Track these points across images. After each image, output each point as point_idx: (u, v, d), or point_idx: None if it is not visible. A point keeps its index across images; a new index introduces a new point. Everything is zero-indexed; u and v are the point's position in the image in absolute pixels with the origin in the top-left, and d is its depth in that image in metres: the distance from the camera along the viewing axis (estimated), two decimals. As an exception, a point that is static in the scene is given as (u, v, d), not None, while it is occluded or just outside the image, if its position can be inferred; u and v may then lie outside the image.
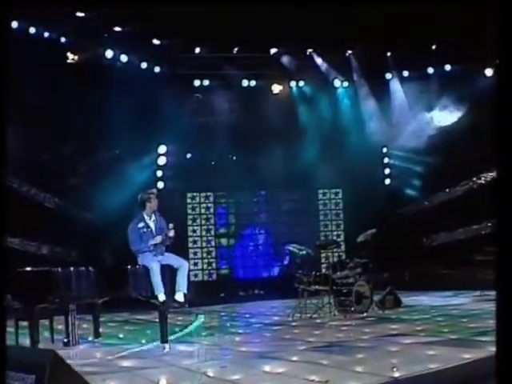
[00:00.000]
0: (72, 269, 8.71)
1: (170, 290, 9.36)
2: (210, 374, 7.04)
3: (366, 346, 8.50)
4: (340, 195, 20.78)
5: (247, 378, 6.83)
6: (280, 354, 8.13)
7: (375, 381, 6.28)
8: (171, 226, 9.78)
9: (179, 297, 9.37)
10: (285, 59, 19.22)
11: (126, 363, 8.04)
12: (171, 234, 9.70)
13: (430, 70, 19.18)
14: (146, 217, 9.63)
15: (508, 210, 4.09)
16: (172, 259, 9.51)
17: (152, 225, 9.63)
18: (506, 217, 4.09)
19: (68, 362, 5.32)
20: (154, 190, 9.84)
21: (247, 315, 13.57)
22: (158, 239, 9.46)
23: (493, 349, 7.53)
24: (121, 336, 10.80)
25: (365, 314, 12.32)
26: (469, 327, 9.93)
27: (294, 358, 7.81)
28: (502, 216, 4.13)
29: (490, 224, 18.13)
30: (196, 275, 19.56)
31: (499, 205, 4.13)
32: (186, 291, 9.39)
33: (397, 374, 6.41)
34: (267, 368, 7.19)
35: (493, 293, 13.42)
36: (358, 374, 6.66)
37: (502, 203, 4.12)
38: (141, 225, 9.59)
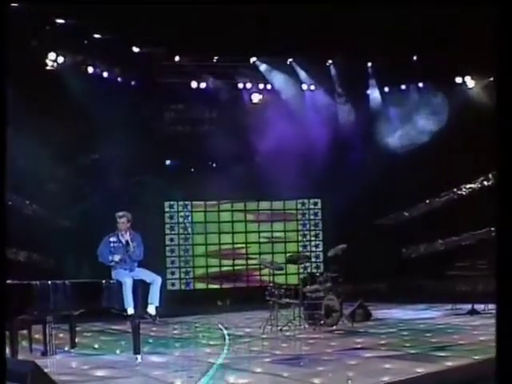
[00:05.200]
0: (49, 282, 9.03)
1: (143, 303, 9.72)
2: (177, 384, 7.45)
3: (328, 359, 8.85)
4: (319, 205, 21.03)
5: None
6: (245, 366, 8.53)
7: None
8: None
9: (151, 309, 9.72)
10: (264, 68, 19.53)
11: (99, 373, 8.42)
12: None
13: (410, 82, 19.52)
14: (119, 233, 10.00)
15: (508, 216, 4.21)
16: (144, 275, 9.83)
17: (124, 241, 9.93)
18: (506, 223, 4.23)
19: (46, 371, 5.77)
20: (120, 214, 10.00)
21: (220, 326, 13.86)
22: (116, 257, 9.77)
23: (447, 363, 8.03)
24: (96, 346, 11.15)
25: (334, 328, 12.55)
26: (430, 342, 10.23)
27: (258, 370, 8.20)
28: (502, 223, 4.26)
29: (470, 235, 18.33)
30: (173, 284, 19.82)
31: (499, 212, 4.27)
32: (157, 304, 9.74)
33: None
34: (231, 379, 7.57)
35: (463, 306, 13.91)
36: (314, 386, 7.07)
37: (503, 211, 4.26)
38: (113, 239, 9.97)
